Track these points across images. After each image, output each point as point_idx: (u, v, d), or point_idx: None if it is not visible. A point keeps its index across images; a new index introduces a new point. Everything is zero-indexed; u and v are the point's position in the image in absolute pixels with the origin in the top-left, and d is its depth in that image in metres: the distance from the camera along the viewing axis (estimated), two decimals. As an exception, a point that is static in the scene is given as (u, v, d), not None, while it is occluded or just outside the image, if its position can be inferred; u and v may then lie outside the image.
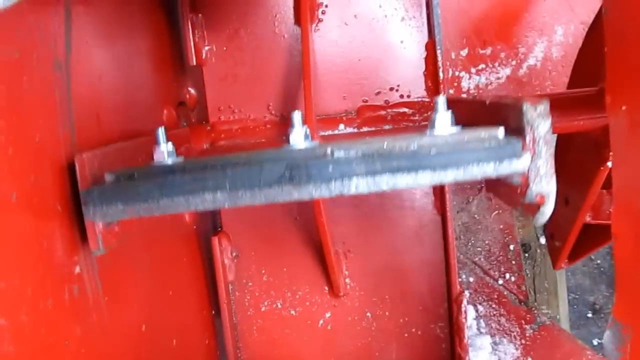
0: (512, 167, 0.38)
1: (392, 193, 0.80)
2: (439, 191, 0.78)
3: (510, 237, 1.17)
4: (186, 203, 0.38)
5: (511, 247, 1.15)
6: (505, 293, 1.11)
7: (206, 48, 0.77)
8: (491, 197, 1.21)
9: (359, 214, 0.80)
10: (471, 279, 1.13)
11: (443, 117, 0.41)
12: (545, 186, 0.38)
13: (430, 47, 0.76)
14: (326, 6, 0.78)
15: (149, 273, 0.56)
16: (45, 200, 0.37)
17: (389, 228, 0.80)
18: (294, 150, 0.39)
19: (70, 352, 0.37)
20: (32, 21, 0.37)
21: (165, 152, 0.43)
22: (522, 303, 1.10)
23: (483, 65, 1.20)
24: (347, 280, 0.81)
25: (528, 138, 0.38)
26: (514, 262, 1.15)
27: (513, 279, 1.13)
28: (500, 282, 1.12)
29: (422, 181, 0.38)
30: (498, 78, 1.24)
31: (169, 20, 0.73)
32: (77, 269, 0.39)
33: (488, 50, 1.15)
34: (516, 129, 0.38)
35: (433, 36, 0.76)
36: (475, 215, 1.18)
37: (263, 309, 0.81)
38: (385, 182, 0.37)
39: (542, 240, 1.17)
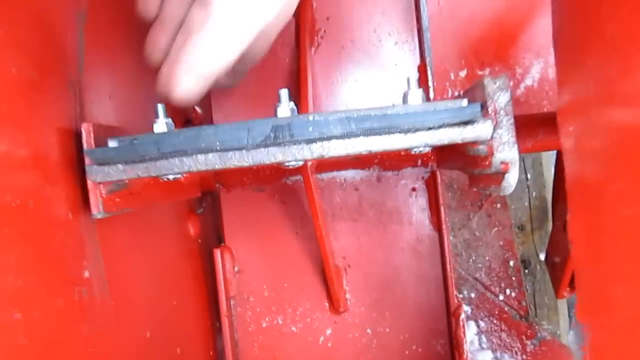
0: (475, 131, 0.42)
1: (390, 208, 0.84)
2: (434, 206, 0.82)
3: (511, 253, 1.20)
4: (180, 164, 0.42)
5: (511, 263, 1.19)
6: (506, 309, 1.13)
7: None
8: (491, 214, 1.24)
9: (358, 228, 0.84)
10: (472, 295, 1.16)
11: (414, 93, 0.46)
12: (508, 153, 0.43)
13: (422, 68, 0.81)
14: (324, 31, 0.83)
15: (154, 281, 0.60)
16: (56, 211, 0.41)
17: (388, 243, 0.84)
18: (280, 117, 0.44)
19: (79, 350, 0.41)
20: (49, 43, 0.43)
21: (165, 124, 0.47)
22: (523, 318, 1.13)
23: (482, 86, 1.25)
24: (348, 295, 0.84)
25: (490, 109, 0.42)
26: (514, 278, 1.18)
27: (513, 294, 1.16)
28: (501, 297, 1.15)
29: (394, 144, 0.42)
30: (497, 98, 1.28)
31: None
32: (86, 274, 0.44)
33: (486, 71, 1.20)
34: (482, 104, 0.43)
35: (424, 59, 0.81)
36: (476, 232, 1.21)
37: (264, 324, 0.83)
38: (360, 144, 0.42)
39: (542, 257, 1.20)
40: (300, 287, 0.83)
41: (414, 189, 0.83)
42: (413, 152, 0.46)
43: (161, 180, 0.53)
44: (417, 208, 0.83)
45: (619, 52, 0.32)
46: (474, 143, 0.44)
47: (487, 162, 0.44)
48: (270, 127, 0.42)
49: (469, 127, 0.42)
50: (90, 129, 0.43)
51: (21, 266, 0.35)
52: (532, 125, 0.85)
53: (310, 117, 0.42)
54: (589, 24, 0.36)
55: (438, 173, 0.82)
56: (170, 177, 0.46)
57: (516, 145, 0.43)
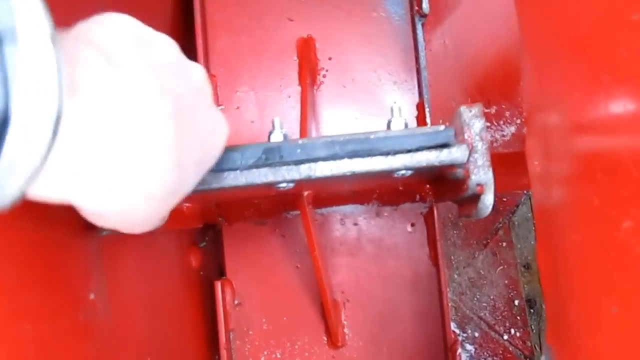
0: (451, 154, 0.46)
1: (388, 243, 0.88)
2: (432, 242, 0.87)
3: (515, 292, 1.23)
4: None
5: (516, 302, 1.21)
6: (510, 348, 1.16)
7: (220, 107, 0.89)
8: (496, 253, 1.28)
9: (357, 263, 0.87)
10: (476, 334, 1.19)
11: (397, 122, 0.51)
12: (483, 176, 0.47)
13: (420, 107, 0.86)
14: (327, 70, 0.89)
15: (154, 309, 0.64)
16: (66, 231, 0.46)
17: (386, 278, 0.87)
18: (271, 142, 0.49)
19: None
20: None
21: None
22: (527, 359, 1.15)
23: (488, 124, 1.30)
24: (346, 330, 0.87)
25: (466, 135, 0.46)
26: (519, 317, 1.21)
27: (518, 334, 1.18)
28: (506, 337, 1.18)
29: (376, 165, 0.46)
30: (503, 135, 1.32)
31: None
32: (92, 296, 0.49)
33: (492, 109, 1.25)
34: (459, 130, 0.47)
35: (422, 97, 0.87)
36: (481, 271, 1.24)
37: (262, 358, 0.85)
38: (345, 166, 0.46)
39: (547, 296, 1.22)
40: (299, 320, 0.86)
41: (412, 224, 0.87)
42: (396, 175, 0.49)
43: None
44: (416, 243, 0.87)
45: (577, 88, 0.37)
46: (452, 167, 0.48)
47: (465, 186, 0.48)
48: (262, 150, 0.46)
49: (445, 151, 0.46)
50: None
51: (33, 283, 0.40)
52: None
53: (300, 142, 0.46)
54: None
55: (436, 209, 0.86)
56: None
57: (491, 169, 0.47)
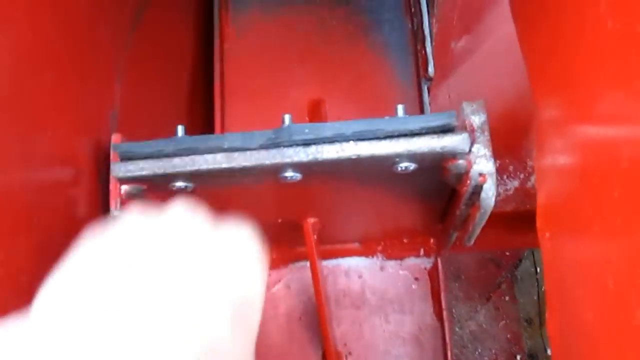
0: (453, 141, 0.48)
1: (392, 297, 0.88)
2: (437, 297, 0.87)
3: (518, 347, 1.22)
4: (192, 162, 0.49)
5: (518, 357, 1.21)
6: (512, 404, 1.16)
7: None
8: (499, 307, 1.28)
9: (361, 316, 0.88)
10: (478, 389, 1.19)
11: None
12: (485, 165, 0.48)
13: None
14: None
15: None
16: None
17: (390, 332, 0.87)
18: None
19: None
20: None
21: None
22: (529, 415, 1.15)
23: (492, 177, 1.32)
24: (349, 384, 0.88)
25: (468, 127, 0.48)
26: (521, 372, 1.20)
27: (520, 390, 1.18)
28: (507, 392, 1.17)
29: (381, 149, 0.48)
30: (506, 190, 1.34)
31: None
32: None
33: (497, 164, 1.27)
34: (462, 124, 0.49)
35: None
36: (483, 324, 1.24)
37: None
38: (350, 149, 0.48)
39: (549, 352, 1.22)
40: (301, 372, 0.86)
41: (416, 279, 0.88)
42: (399, 170, 0.50)
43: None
44: (420, 298, 0.87)
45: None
46: (454, 158, 0.49)
47: (467, 179, 0.49)
48: (272, 131, 0.49)
49: (447, 137, 0.48)
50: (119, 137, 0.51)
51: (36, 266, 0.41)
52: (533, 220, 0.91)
53: (308, 124, 0.49)
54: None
55: (440, 264, 0.87)
56: (183, 185, 0.52)
57: (493, 159, 0.48)
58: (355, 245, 0.87)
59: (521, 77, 1.36)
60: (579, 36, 0.39)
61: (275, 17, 0.95)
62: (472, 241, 0.61)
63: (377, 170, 0.51)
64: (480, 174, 0.47)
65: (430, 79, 0.86)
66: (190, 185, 0.51)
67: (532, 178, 1.34)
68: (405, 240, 0.86)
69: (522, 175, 1.30)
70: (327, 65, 0.92)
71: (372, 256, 0.87)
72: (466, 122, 0.48)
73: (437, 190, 0.58)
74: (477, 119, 0.48)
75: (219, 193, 0.55)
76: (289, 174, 0.50)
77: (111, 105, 0.55)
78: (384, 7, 0.93)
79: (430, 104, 0.94)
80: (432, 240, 0.85)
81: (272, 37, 0.94)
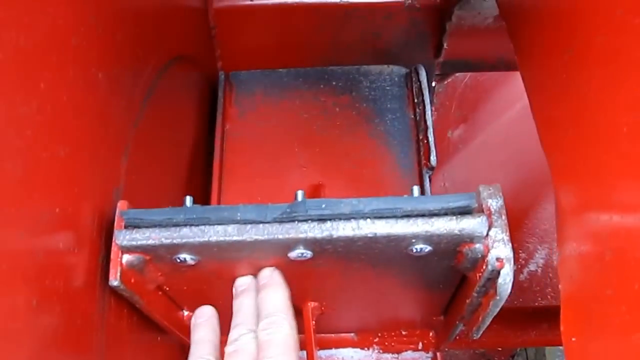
0: (470, 223, 0.47)
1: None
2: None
3: None
4: (201, 233, 0.48)
5: None
6: None
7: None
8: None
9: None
10: None
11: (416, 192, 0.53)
12: (503, 250, 0.47)
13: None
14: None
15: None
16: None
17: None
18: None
19: None
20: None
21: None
22: None
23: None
24: None
25: (485, 211, 0.47)
26: None
27: None
28: None
29: (398, 229, 0.47)
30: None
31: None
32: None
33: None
34: (478, 207, 0.48)
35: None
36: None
37: None
38: (367, 227, 0.47)
39: None
40: None
41: (414, 374, 0.85)
42: (414, 251, 0.49)
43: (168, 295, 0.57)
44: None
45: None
46: (471, 243, 0.48)
47: (483, 265, 0.48)
48: (287, 205, 0.48)
49: (465, 220, 0.47)
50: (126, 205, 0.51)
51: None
52: (536, 318, 0.90)
53: (325, 199, 0.48)
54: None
55: (440, 358, 0.85)
56: (188, 258, 0.50)
57: (510, 244, 0.47)
58: (351, 336, 0.85)
59: (514, 170, 1.38)
60: (599, 129, 0.40)
61: (279, 101, 0.97)
62: (480, 334, 0.60)
63: (391, 252, 0.50)
64: (498, 259, 0.47)
65: (432, 169, 0.87)
66: (195, 258, 0.50)
67: (525, 271, 1.34)
68: (403, 333, 0.84)
69: (514, 267, 1.30)
70: (328, 151, 0.93)
71: (368, 348, 0.85)
72: (483, 205, 0.48)
73: (446, 278, 0.57)
74: (494, 203, 0.48)
75: (222, 269, 0.54)
76: (300, 251, 0.49)
77: (116, 181, 0.55)
78: (387, 96, 0.96)
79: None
80: (431, 334, 0.84)
81: (274, 120, 0.95)
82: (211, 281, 0.58)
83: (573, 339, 0.42)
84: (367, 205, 0.47)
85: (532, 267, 1.29)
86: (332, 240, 0.48)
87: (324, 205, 0.48)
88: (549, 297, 1.28)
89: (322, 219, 0.48)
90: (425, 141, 0.89)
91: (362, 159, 0.92)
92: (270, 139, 0.94)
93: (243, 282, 0.57)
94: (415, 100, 0.93)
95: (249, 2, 0.95)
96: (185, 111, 0.88)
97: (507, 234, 0.47)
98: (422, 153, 0.90)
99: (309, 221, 0.48)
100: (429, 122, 0.90)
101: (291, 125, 0.95)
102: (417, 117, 0.92)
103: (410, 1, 0.91)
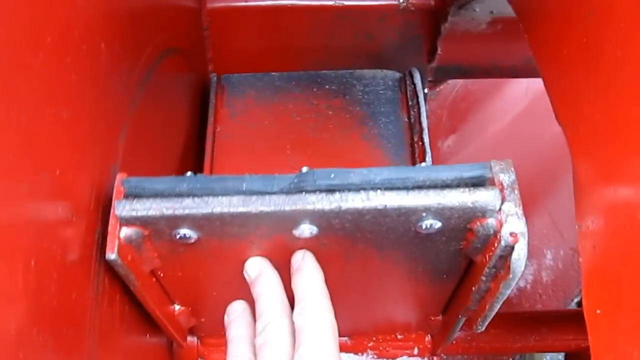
0: (483, 196, 0.46)
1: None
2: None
3: None
4: (205, 205, 0.46)
5: None
6: None
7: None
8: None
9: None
10: None
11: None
12: (516, 224, 0.46)
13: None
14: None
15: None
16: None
17: None
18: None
19: None
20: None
21: None
22: None
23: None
24: None
25: (497, 185, 0.47)
26: None
27: None
28: None
29: (409, 201, 0.46)
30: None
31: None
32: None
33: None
34: (491, 182, 0.47)
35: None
36: None
37: None
38: (377, 199, 0.46)
39: None
40: None
41: (409, 380, 0.84)
42: (424, 229, 0.48)
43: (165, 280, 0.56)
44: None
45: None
46: (482, 218, 0.47)
47: (496, 240, 0.47)
48: (295, 175, 0.47)
49: (478, 192, 0.46)
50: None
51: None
52: (535, 323, 0.89)
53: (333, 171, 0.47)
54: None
55: (436, 363, 0.84)
56: (189, 234, 0.48)
57: (524, 219, 0.46)
58: (345, 340, 0.84)
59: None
60: (622, 95, 0.40)
61: (271, 103, 0.96)
62: (485, 325, 0.59)
63: (399, 230, 0.49)
64: (512, 233, 0.46)
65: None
66: (195, 234, 0.49)
67: (514, 288, 1.34)
68: (399, 337, 0.82)
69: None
70: (320, 154, 0.92)
71: (362, 353, 0.83)
72: (495, 179, 0.47)
73: (451, 266, 0.56)
74: (506, 177, 0.47)
75: (223, 250, 0.53)
76: (306, 226, 0.48)
77: (114, 157, 0.53)
78: (381, 100, 0.96)
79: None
80: (427, 339, 0.82)
81: (266, 122, 0.95)
82: (208, 267, 0.56)
83: (598, 311, 0.41)
84: (378, 174, 0.46)
85: (521, 284, 1.29)
86: (341, 212, 0.47)
87: (332, 175, 0.46)
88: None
89: (330, 190, 0.46)
90: (420, 143, 0.89)
91: (356, 160, 0.91)
92: (262, 140, 0.93)
93: (254, 265, 0.54)
94: (410, 103, 0.93)
95: (243, 4, 0.96)
96: (179, 108, 0.87)
97: (521, 208, 0.46)
98: (416, 155, 0.89)
99: (317, 192, 0.46)
100: (424, 124, 0.90)
101: (283, 127, 0.94)
102: (412, 120, 0.92)
103: (404, 3, 0.92)
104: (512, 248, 0.46)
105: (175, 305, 0.65)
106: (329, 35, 0.97)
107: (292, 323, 0.50)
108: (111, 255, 0.47)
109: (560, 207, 1.17)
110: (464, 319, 0.63)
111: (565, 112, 0.49)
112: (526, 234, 0.46)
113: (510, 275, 0.47)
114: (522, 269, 0.46)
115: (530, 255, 1.22)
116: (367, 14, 0.95)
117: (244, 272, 0.55)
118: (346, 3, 0.94)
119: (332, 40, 0.98)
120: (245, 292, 0.57)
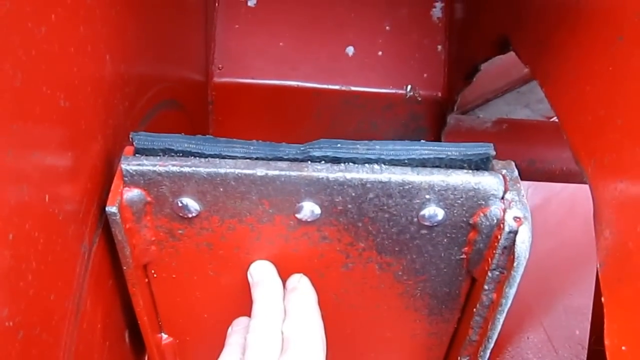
0: (487, 180, 0.47)
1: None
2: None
3: None
4: (211, 165, 0.47)
5: None
6: None
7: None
8: None
9: None
10: None
11: None
12: (520, 209, 0.47)
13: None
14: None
15: None
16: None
17: None
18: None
19: None
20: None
21: None
22: None
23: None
24: None
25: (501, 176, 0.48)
26: None
27: None
28: None
29: (413, 177, 0.47)
30: None
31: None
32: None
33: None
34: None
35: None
36: None
37: None
38: (380, 171, 0.47)
39: None
40: None
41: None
42: (427, 218, 0.49)
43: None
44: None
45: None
46: (486, 207, 0.48)
47: (500, 228, 0.47)
48: (303, 144, 0.49)
49: (481, 175, 0.47)
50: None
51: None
52: None
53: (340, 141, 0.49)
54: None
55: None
56: (190, 204, 0.49)
57: (527, 205, 0.47)
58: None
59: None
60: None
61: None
62: (488, 353, 0.57)
63: (401, 220, 0.50)
64: (516, 218, 0.47)
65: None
66: (196, 206, 0.50)
67: None
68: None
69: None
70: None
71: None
72: (497, 172, 0.49)
73: (451, 290, 0.56)
74: (509, 173, 0.49)
75: (222, 233, 0.53)
76: (309, 204, 0.49)
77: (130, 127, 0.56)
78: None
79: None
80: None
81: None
82: (204, 266, 0.56)
83: (623, 348, 0.40)
84: (383, 145, 0.48)
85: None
86: (345, 184, 0.48)
87: (339, 145, 0.49)
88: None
89: (336, 160, 0.49)
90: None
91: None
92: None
93: (260, 268, 0.55)
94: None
95: (250, 80, 1.03)
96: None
97: (524, 197, 0.48)
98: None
99: (323, 162, 0.49)
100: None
101: None
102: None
103: (411, 93, 1.00)
104: (516, 234, 0.47)
105: (163, 334, 0.64)
106: (333, 120, 1.03)
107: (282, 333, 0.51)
108: (111, 208, 0.47)
109: (555, 323, 1.18)
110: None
111: (587, 148, 0.51)
112: (530, 220, 0.47)
113: (515, 264, 0.47)
114: (527, 254, 0.47)
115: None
116: (373, 101, 1.01)
117: (248, 274, 0.55)
118: (353, 88, 1.01)
119: (336, 125, 1.04)
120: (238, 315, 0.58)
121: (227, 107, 1.04)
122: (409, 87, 1.01)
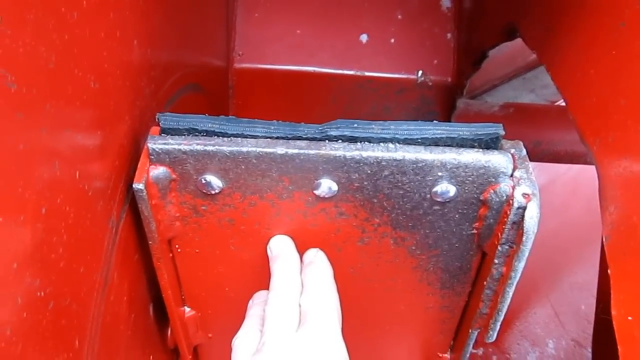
0: (497, 158, 0.47)
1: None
2: None
3: None
4: (234, 144, 0.47)
5: None
6: None
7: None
8: None
9: None
10: None
11: None
12: (528, 186, 0.46)
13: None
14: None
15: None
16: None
17: None
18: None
19: None
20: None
21: None
22: None
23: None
24: None
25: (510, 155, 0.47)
26: None
27: None
28: None
29: (426, 156, 0.47)
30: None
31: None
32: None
33: (480, 351, 1.20)
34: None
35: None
36: None
37: None
38: (394, 150, 0.47)
39: None
40: None
41: None
42: (439, 194, 0.48)
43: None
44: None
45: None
46: (496, 184, 0.47)
47: (509, 205, 0.47)
48: (320, 125, 0.48)
49: (491, 153, 0.47)
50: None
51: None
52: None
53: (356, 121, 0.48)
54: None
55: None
56: (214, 181, 0.49)
57: (536, 184, 0.46)
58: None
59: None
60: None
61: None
62: (496, 331, 0.57)
63: (415, 197, 0.49)
64: (524, 194, 0.47)
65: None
66: (219, 183, 0.50)
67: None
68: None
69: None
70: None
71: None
72: (507, 152, 0.49)
73: (463, 263, 0.56)
74: (517, 152, 0.49)
75: (244, 209, 0.53)
76: (327, 181, 0.49)
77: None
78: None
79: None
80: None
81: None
82: (226, 240, 0.56)
83: (629, 318, 0.40)
84: (397, 125, 0.48)
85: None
86: (361, 162, 0.48)
87: (355, 125, 0.48)
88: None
89: (352, 139, 0.48)
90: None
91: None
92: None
93: (279, 242, 0.55)
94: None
95: (268, 66, 1.02)
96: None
97: (533, 175, 0.48)
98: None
99: (340, 141, 0.48)
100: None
101: None
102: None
103: (422, 78, 0.99)
104: (525, 210, 0.47)
105: (186, 307, 0.64)
106: (348, 104, 1.03)
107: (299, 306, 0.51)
108: (138, 184, 0.47)
109: (562, 299, 1.17)
110: (476, 333, 0.61)
111: (592, 128, 0.51)
112: (538, 196, 0.47)
113: (524, 238, 0.47)
114: (536, 229, 0.47)
115: (533, 343, 1.19)
116: (386, 86, 1.01)
117: (267, 248, 0.55)
118: (367, 74, 1.00)
119: (351, 109, 1.03)
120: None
121: (246, 91, 1.03)
122: (420, 72, 1.00)
